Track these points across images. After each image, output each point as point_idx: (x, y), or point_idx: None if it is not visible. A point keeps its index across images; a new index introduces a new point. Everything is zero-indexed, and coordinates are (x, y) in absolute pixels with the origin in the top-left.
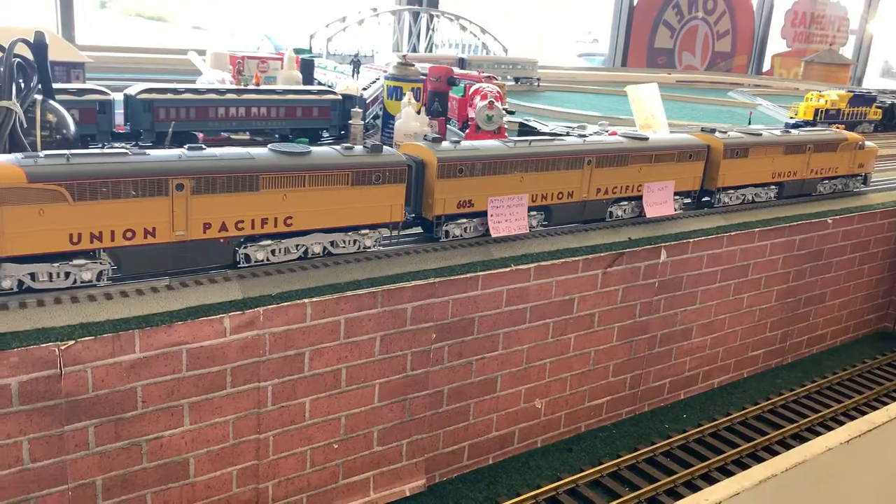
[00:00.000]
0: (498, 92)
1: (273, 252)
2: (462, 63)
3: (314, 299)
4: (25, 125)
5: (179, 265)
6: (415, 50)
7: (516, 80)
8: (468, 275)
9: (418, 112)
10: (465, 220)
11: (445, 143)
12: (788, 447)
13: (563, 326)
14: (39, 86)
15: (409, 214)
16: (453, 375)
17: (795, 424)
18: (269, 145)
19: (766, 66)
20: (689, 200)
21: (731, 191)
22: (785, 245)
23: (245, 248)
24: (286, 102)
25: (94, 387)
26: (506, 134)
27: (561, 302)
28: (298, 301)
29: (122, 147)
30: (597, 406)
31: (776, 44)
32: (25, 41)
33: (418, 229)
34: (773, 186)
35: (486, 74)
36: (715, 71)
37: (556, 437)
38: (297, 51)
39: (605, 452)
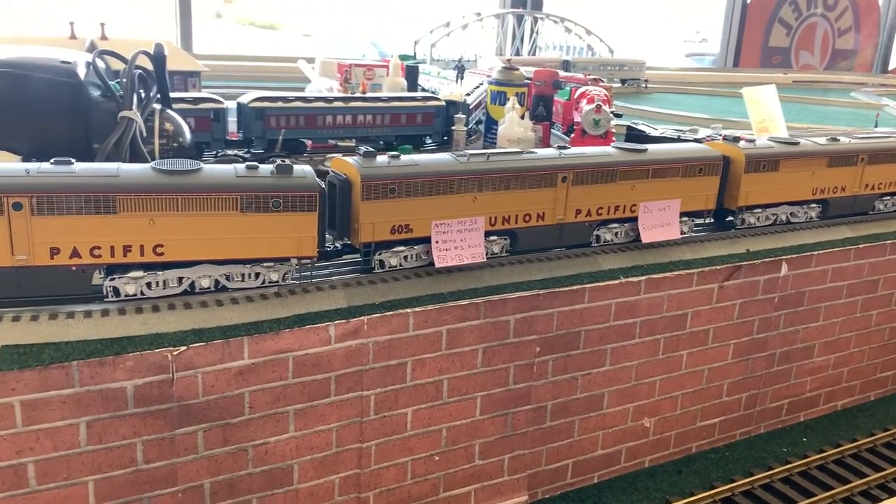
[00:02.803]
0: (605, 95)
1: (148, 285)
2: (566, 65)
3: (416, 309)
4: (145, 134)
5: (25, 293)
6: (518, 53)
7: (623, 81)
8: (574, 287)
9: (522, 117)
10: (403, 248)
11: (380, 159)
12: None
13: (675, 342)
14: (158, 96)
15: (336, 242)
16: (557, 390)
17: None
18: (153, 162)
19: (893, 65)
20: (701, 221)
21: (759, 210)
22: None
23: (112, 279)
24: (391, 110)
25: (203, 392)
26: (613, 138)
27: (673, 317)
28: (401, 311)
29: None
30: (709, 426)
31: None
32: (146, 53)
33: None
34: (814, 205)
35: (592, 77)
36: (835, 70)
37: (665, 458)
38: (402, 57)
39: (718, 476)
